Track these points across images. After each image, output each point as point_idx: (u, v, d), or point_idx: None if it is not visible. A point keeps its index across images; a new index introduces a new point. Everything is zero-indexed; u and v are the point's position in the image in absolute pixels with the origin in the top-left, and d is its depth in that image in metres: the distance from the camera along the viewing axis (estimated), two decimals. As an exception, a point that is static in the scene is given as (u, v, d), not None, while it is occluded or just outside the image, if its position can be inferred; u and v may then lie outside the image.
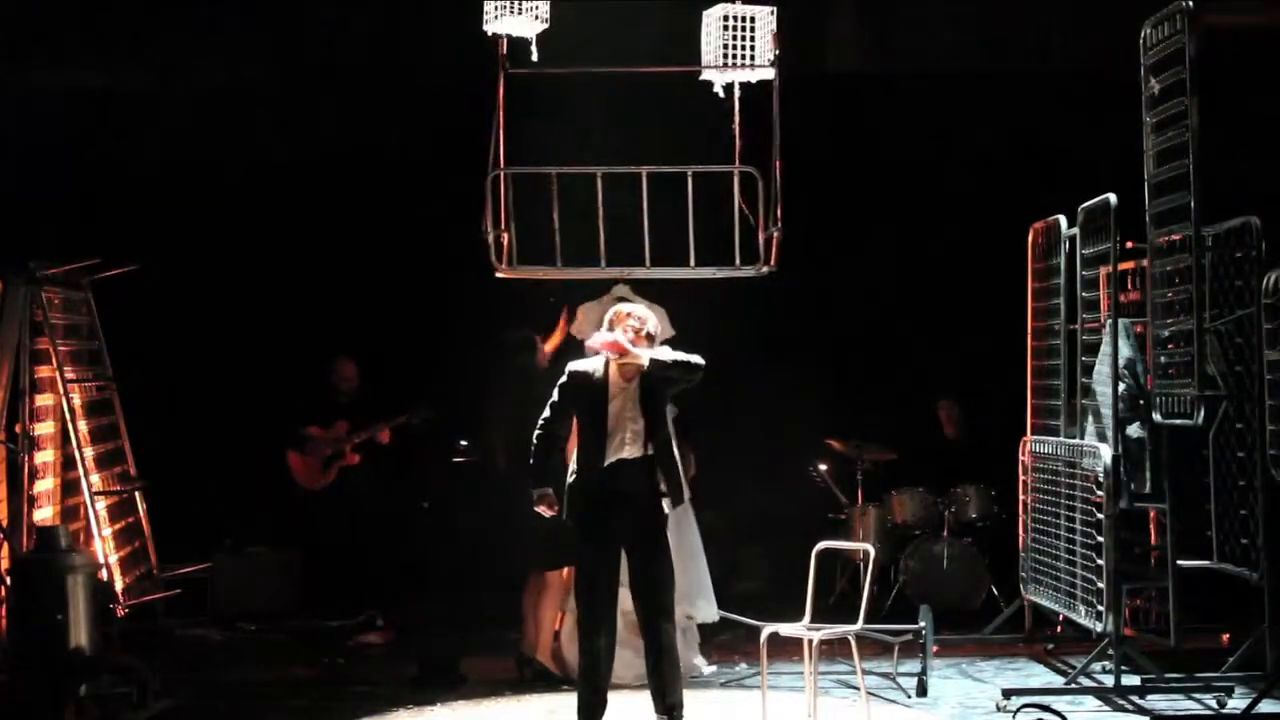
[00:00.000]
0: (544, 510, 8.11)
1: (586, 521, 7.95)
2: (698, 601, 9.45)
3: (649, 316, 8.09)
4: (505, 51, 8.75)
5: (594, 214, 8.61)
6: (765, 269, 8.81)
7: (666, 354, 7.96)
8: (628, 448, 7.88)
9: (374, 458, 11.14)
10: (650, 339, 8.01)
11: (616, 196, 8.65)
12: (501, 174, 8.67)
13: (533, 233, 8.76)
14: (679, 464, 8.05)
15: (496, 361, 9.59)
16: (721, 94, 8.99)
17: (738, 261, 8.83)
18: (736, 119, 8.93)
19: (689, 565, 9.37)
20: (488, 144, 8.68)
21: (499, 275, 8.87)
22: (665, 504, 7.95)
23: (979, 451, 11.56)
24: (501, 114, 8.70)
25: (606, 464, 7.87)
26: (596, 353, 8.04)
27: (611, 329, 7.99)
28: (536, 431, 8.06)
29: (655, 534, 7.93)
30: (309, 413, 11.20)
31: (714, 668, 9.68)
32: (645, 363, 7.86)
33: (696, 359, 7.96)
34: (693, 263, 8.85)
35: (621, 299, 9.45)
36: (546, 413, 8.07)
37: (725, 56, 8.82)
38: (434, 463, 11.58)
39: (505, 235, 8.74)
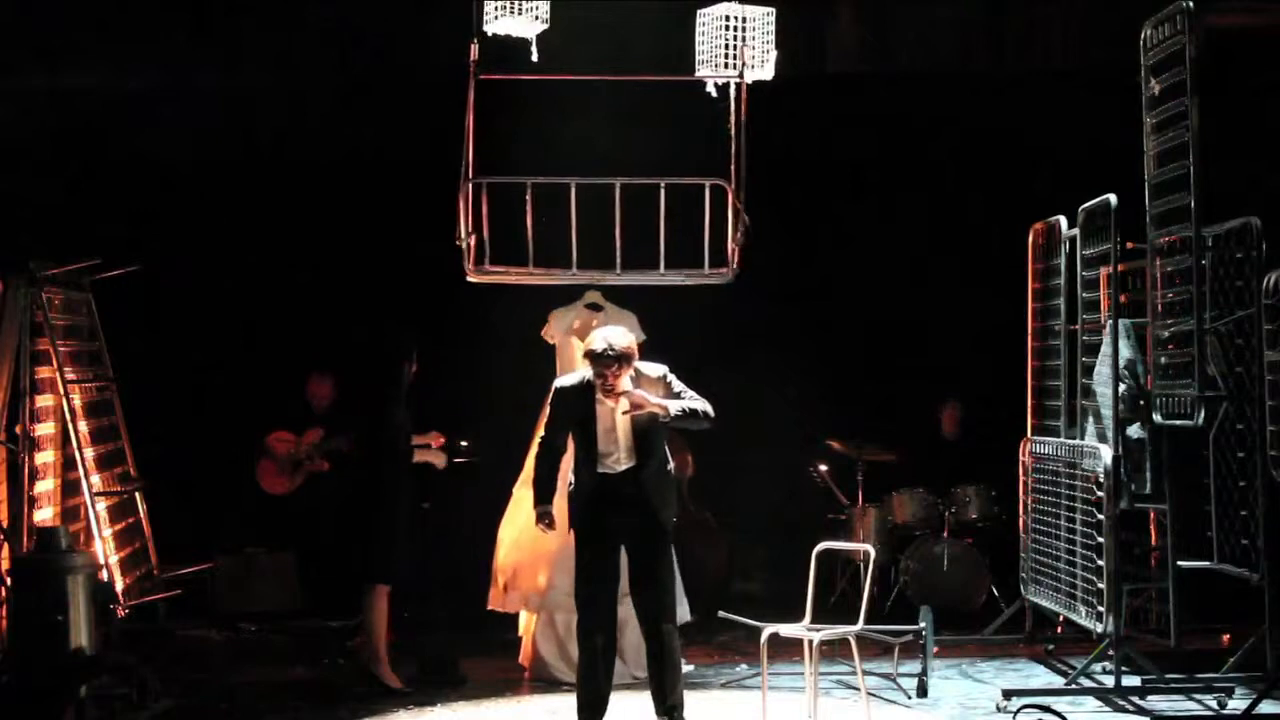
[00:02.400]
0: (542, 529, 8.09)
1: (586, 523, 7.94)
2: None
3: (616, 337, 7.84)
4: (476, 57, 8.78)
5: (567, 220, 8.64)
6: (731, 275, 8.88)
7: (686, 405, 7.84)
8: (622, 465, 7.87)
9: (344, 467, 11.13)
10: (627, 359, 7.82)
11: (593, 199, 8.71)
12: (480, 183, 8.72)
13: (508, 237, 8.80)
14: (672, 484, 8.05)
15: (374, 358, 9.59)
16: (714, 94, 9.01)
17: (706, 268, 8.87)
18: (732, 120, 8.95)
19: None
20: (478, 149, 8.73)
21: (469, 279, 8.92)
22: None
23: (978, 452, 11.55)
24: (471, 119, 8.73)
25: (601, 475, 7.86)
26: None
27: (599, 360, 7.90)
28: (536, 449, 8.03)
29: (656, 534, 7.92)
30: (285, 420, 11.27)
31: (691, 667, 9.65)
32: (667, 416, 7.79)
33: (708, 411, 7.87)
34: (662, 268, 8.89)
35: (592, 304, 9.46)
36: (543, 430, 8.06)
37: (723, 57, 8.84)
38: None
39: (473, 239, 8.78)
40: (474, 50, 8.77)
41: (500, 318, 10.74)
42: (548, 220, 8.72)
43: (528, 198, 8.68)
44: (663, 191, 8.72)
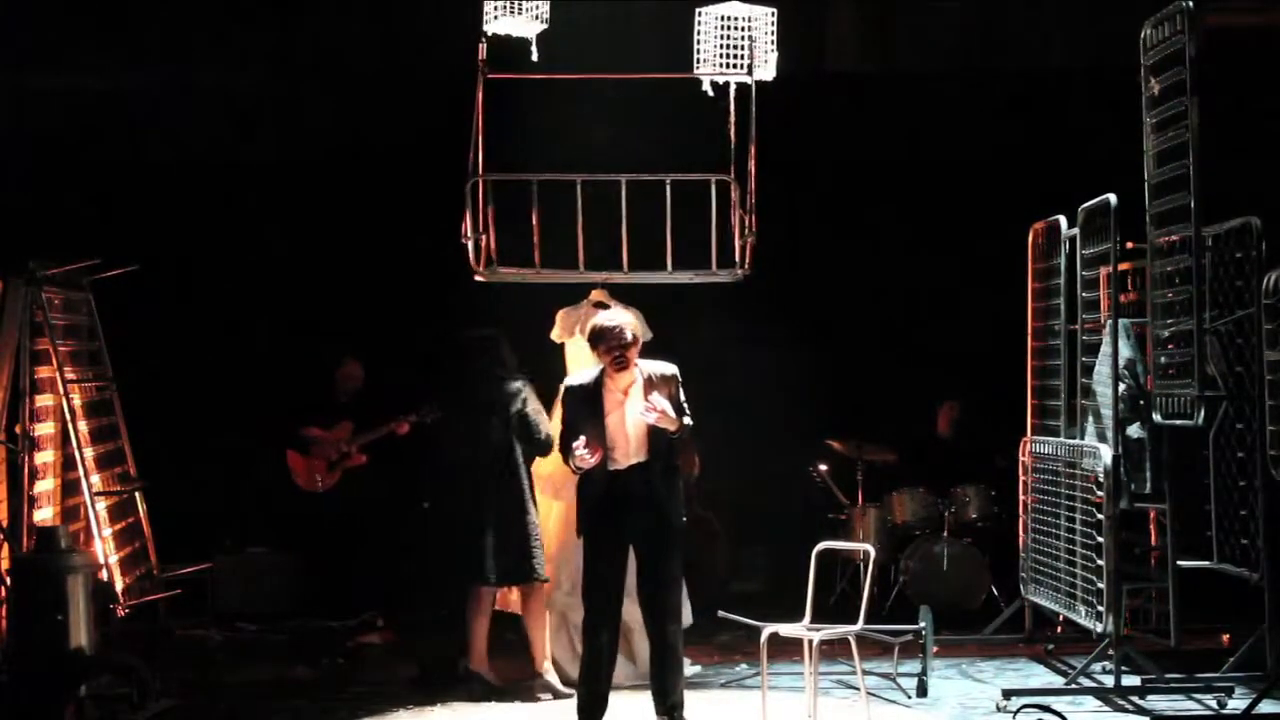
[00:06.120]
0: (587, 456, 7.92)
1: (594, 521, 7.96)
2: None
3: (622, 317, 7.95)
4: (484, 56, 8.78)
5: (574, 219, 8.64)
6: (741, 273, 8.89)
7: (689, 427, 7.93)
8: (630, 460, 7.88)
9: (382, 459, 11.09)
10: (635, 340, 7.92)
11: (601, 198, 8.70)
12: (480, 180, 8.72)
13: (516, 236, 8.80)
14: (680, 482, 8.05)
15: (456, 365, 9.51)
16: (711, 93, 9.02)
17: (714, 266, 8.87)
18: (732, 119, 8.95)
19: None
20: (477, 147, 8.74)
21: (477, 279, 8.92)
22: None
23: (975, 452, 11.55)
24: (480, 118, 8.73)
25: (611, 473, 7.88)
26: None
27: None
28: (559, 452, 8.02)
29: (665, 534, 7.94)
30: (310, 413, 11.19)
31: (698, 668, 9.65)
32: (681, 426, 7.86)
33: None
34: (669, 267, 8.89)
35: (599, 304, 9.46)
36: (558, 435, 8.05)
37: (722, 57, 8.86)
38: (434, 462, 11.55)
39: (484, 239, 8.79)
40: (482, 49, 8.77)
41: (499, 316, 10.73)
42: (541, 219, 8.73)
43: (533, 195, 8.68)
44: (668, 188, 8.73)
